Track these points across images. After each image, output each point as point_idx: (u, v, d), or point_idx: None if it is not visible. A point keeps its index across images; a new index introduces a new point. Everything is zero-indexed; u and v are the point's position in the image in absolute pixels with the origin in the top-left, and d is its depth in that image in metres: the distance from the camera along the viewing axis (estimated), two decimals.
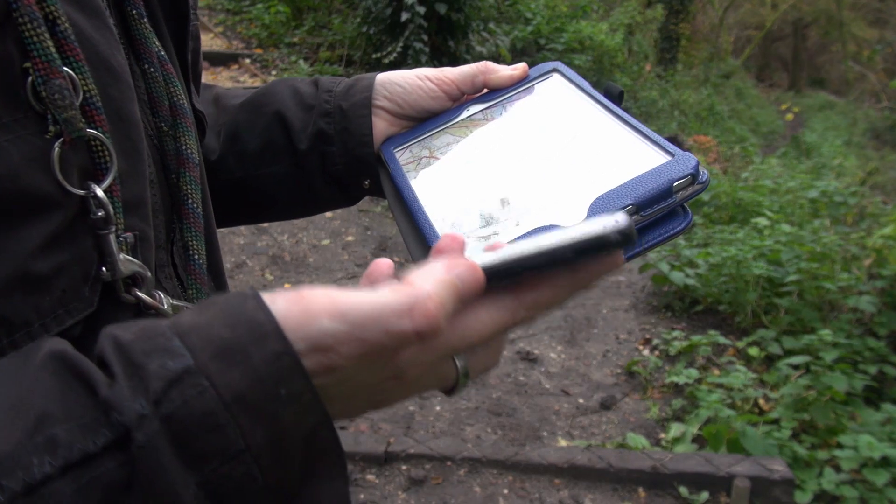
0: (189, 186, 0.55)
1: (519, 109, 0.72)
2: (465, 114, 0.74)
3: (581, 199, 0.55)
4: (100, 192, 0.42)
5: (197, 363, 0.32)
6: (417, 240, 0.62)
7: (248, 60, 7.86)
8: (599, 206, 0.54)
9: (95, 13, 0.44)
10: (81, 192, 0.42)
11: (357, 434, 3.01)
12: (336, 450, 0.37)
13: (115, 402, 0.31)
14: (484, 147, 0.69)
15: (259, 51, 8.14)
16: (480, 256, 0.39)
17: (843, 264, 4.16)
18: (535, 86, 0.74)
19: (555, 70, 0.74)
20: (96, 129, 0.42)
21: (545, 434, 3.24)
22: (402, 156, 0.73)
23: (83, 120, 0.41)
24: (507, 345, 4.04)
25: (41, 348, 0.33)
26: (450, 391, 0.44)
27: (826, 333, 3.43)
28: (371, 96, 0.73)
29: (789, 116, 16.68)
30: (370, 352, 0.35)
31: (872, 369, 3.41)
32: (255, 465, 0.33)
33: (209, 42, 8.31)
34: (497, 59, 8.20)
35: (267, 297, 0.35)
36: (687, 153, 0.55)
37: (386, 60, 6.79)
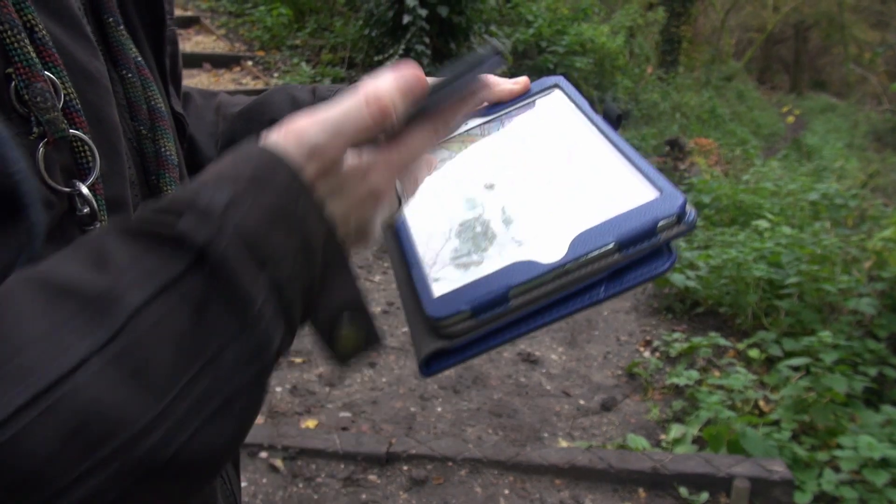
0: (168, 187, 0.57)
1: (517, 126, 0.71)
2: (462, 128, 0.72)
3: (564, 233, 0.54)
4: (84, 190, 0.44)
5: (237, 191, 0.39)
6: (401, 261, 0.62)
7: (250, 63, 7.88)
8: (581, 243, 0.53)
9: (72, 22, 0.46)
10: (67, 190, 0.44)
11: (359, 435, 3.03)
12: (342, 252, 0.45)
13: (185, 231, 0.37)
14: (477, 165, 0.67)
15: (261, 53, 8.16)
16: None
17: (844, 266, 4.18)
18: (537, 101, 0.73)
19: (556, 86, 0.73)
20: (78, 131, 0.44)
21: (546, 435, 3.25)
22: None
23: (65, 121, 0.43)
24: (508, 346, 4.05)
25: (90, 233, 0.40)
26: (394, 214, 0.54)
27: (826, 335, 3.44)
28: None
29: (790, 119, 16.69)
30: (349, 145, 0.45)
31: (872, 371, 3.42)
32: (294, 267, 0.40)
33: (212, 44, 8.33)
34: None
35: (263, 138, 0.44)
36: (675, 191, 0.54)
37: (388, 63, 6.81)
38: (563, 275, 0.52)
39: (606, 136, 0.63)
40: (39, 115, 0.41)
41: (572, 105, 0.70)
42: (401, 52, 6.72)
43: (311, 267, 0.42)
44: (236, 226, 0.38)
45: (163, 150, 0.56)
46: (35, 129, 0.42)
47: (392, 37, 7.01)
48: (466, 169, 0.68)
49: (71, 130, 0.43)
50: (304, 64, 7.76)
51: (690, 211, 0.53)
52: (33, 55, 0.41)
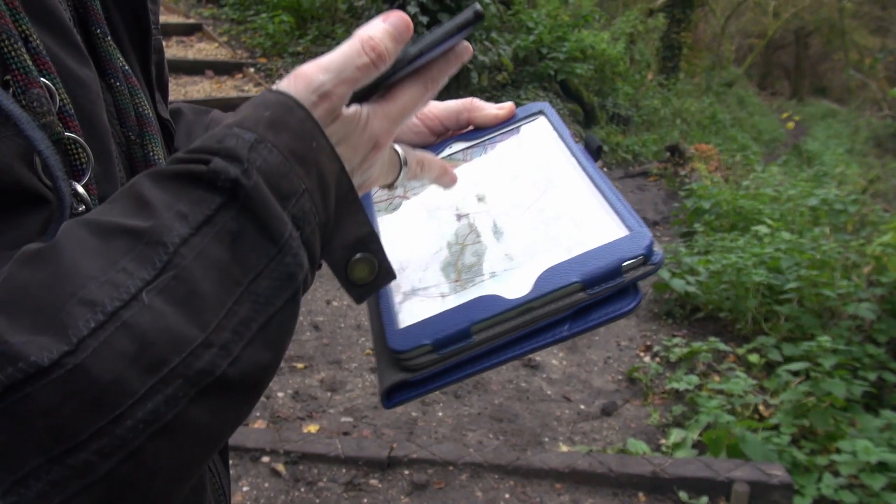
0: None
1: (499, 153, 0.70)
2: (447, 151, 0.72)
3: (531, 269, 0.55)
4: (80, 189, 0.47)
5: (259, 135, 0.43)
6: None
7: (252, 69, 7.91)
8: (546, 280, 0.53)
9: (62, 32, 0.48)
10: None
11: (360, 439, 3.05)
12: (352, 192, 0.49)
13: (217, 170, 0.41)
14: (456, 192, 0.67)
15: (263, 60, 8.20)
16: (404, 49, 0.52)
17: (843, 272, 4.19)
18: (521, 127, 0.72)
19: (541, 112, 0.73)
20: (72, 134, 0.46)
21: (547, 440, 3.26)
22: (378, 192, 0.71)
23: (60, 125, 0.45)
24: None
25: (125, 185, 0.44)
26: (396, 179, 0.58)
27: (825, 340, 3.45)
28: None
29: (790, 125, 16.72)
30: (353, 86, 0.49)
31: (872, 376, 3.43)
32: (313, 202, 0.45)
33: (214, 51, 8.37)
34: (500, 67, 8.24)
35: (275, 86, 0.48)
36: (643, 230, 0.54)
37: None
38: (526, 312, 0.53)
39: (584, 169, 0.63)
40: (36, 118, 0.43)
41: (555, 134, 0.70)
42: None
43: (326, 203, 0.46)
44: (261, 164, 0.42)
45: (151, 154, 0.58)
46: None
47: None
48: (446, 196, 0.67)
49: (66, 133, 0.46)
50: None
51: (657, 252, 0.53)
52: (30, 63, 0.43)
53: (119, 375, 0.36)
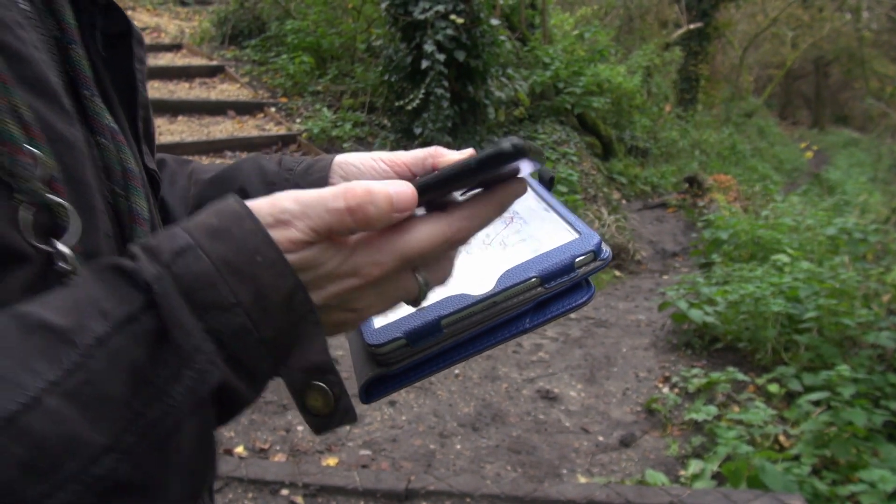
0: (139, 239, 0.62)
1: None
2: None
3: (493, 270, 0.61)
4: (61, 247, 0.50)
5: (194, 241, 0.43)
6: None
7: (273, 109, 8.08)
8: (507, 278, 0.59)
9: (51, 97, 0.52)
10: (46, 248, 0.49)
11: (378, 472, 3.06)
12: (313, 314, 0.46)
13: (138, 269, 0.42)
14: None
15: (284, 99, 8.37)
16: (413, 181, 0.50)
17: (863, 300, 4.17)
18: None
19: None
20: (56, 196, 0.50)
21: (565, 471, 3.26)
22: None
23: (43, 188, 0.49)
24: (527, 383, 4.08)
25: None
26: (415, 302, 0.54)
27: (844, 369, 3.43)
28: (328, 175, 0.79)
29: (808, 154, 16.65)
30: (319, 226, 0.47)
31: (894, 405, 3.40)
32: (248, 318, 0.43)
33: (236, 92, 8.56)
34: (516, 102, 8.34)
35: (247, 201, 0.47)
36: (592, 233, 0.61)
37: (409, 107, 6.94)
38: (491, 306, 0.59)
39: (537, 193, 0.71)
40: (21, 183, 0.47)
41: None
42: (420, 95, 6.86)
43: (269, 319, 0.44)
44: (182, 271, 0.42)
45: (135, 206, 0.62)
46: (17, 196, 0.48)
47: (411, 81, 7.16)
48: None
49: (49, 196, 0.49)
50: (325, 109, 7.93)
51: (605, 249, 0.60)
52: (16, 133, 0.47)
53: (8, 480, 0.36)
